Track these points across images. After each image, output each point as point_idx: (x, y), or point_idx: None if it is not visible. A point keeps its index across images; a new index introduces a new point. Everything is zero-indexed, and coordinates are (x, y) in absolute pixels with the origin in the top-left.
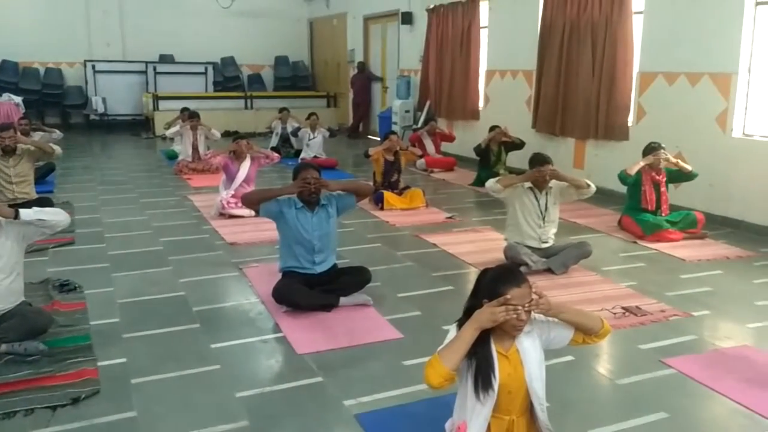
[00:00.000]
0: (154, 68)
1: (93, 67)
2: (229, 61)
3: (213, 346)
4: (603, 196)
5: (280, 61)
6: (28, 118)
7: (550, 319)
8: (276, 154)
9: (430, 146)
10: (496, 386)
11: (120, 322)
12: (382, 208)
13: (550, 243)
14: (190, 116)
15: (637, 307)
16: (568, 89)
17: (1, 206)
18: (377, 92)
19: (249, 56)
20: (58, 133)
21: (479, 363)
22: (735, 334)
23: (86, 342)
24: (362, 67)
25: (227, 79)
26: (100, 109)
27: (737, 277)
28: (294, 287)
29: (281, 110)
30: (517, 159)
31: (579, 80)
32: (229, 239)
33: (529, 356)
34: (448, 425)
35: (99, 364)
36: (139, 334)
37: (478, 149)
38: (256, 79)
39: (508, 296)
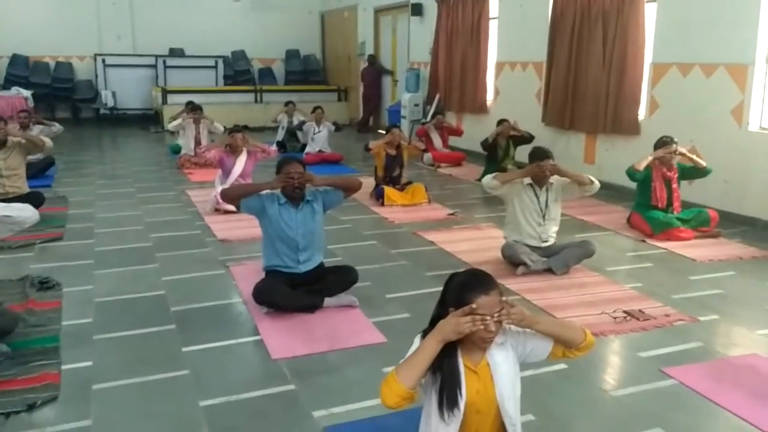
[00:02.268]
0: (164, 62)
1: (103, 61)
2: (239, 55)
3: (185, 349)
4: (613, 193)
5: (291, 55)
6: (28, 111)
7: (527, 330)
8: (273, 149)
9: (437, 140)
10: (462, 405)
11: (93, 323)
12: (382, 204)
13: (551, 242)
14: (192, 109)
15: (640, 310)
16: (579, 81)
17: None
18: (387, 86)
19: (260, 50)
20: (58, 127)
21: (444, 379)
22: (744, 341)
23: (54, 344)
24: (372, 60)
25: (238, 72)
26: (110, 103)
27: (751, 279)
28: (275, 287)
29: (287, 104)
30: (526, 154)
31: (589, 72)
32: (221, 236)
33: (501, 372)
34: None
35: (63, 367)
36: (111, 336)
37: (485, 144)
38: (267, 73)
39: (474, 305)
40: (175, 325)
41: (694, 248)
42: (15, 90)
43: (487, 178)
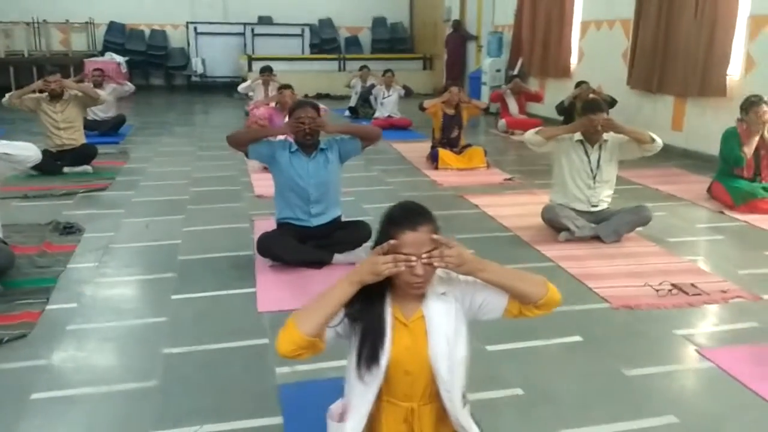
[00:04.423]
0: (252, 30)
1: (195, 29)
2: (326, 23)
3: (174, 297)
4: (701, 163)
5: (378, 23)
6: (102, 70)
7: (478, 280)
8: (324, 107)
9: (513, 106)
10: (383, 363)
11: (96, 267)
12: (437, 168)
13: (603, 207)
14: (262, 70)
15: (691, 284)
16: (669, 38)
17: None
18: (472, 52)
19: (347, 18)
20: (129, 86)
21: (365, 330)
22: None
23: (50, 284)
24: (457, 25)
25: (324, 41)
26: (200, 71)
27: None
28: (279, 239)
29: (361, 68)
30: None
31: (681, 27)
32: (258, 191)
33: (437, 326)
34: (334, 408)
35: (47, 307)
36: (108, 280)
37: (560, 107)
38: (353, 42)
39: (393, 242)
40: (176, 273)
41: None
42: (109, 56)
43: (530, 133)
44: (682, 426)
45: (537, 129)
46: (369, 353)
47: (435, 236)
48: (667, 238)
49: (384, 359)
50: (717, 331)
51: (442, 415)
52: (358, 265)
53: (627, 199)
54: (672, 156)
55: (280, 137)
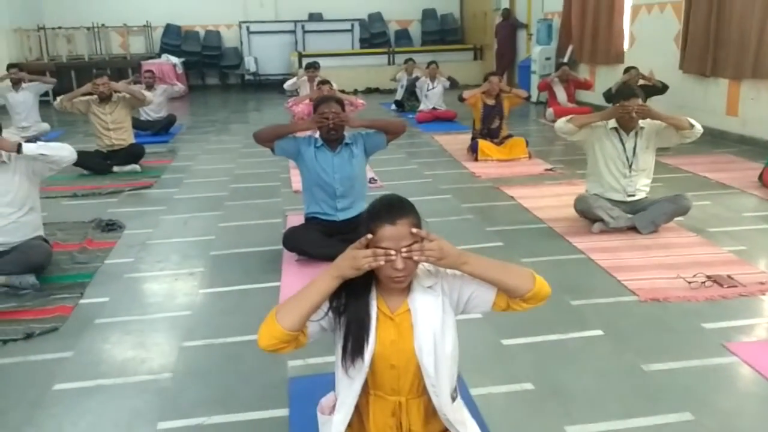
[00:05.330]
0: (303, 27)
1: (247, 28)
2: (376, 17)
3: (201, 291)
4: (757, 149)
5: (428, 15)
6: (153, 71)
7: (466, 273)
8: (361, 101)
9: (561, 94)
10: (367, 356)
11: (132, 262)
12: (476, 159)
13: (640, 196)
14: (307, 67)
15: (728, 276)
16: (722, 18)
17: (2, 140)
18: (522, 41)
19: (396, 11)
20: (180, 86)
21: (349, 324)
22: None
23: (86, 280)
24: (507, 14)
25: (374, 35)
26: (252, 69)
27: None
28: (304, 234)
29: (406, 61)
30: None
31: (733, 7)
32: (296, 187)
33: (423, 320)
34: (324, 401)
35: (81, 301)
36: (141, 275)
37: (607, 94)
38: (403, 35)
39: (371, 236)
40: (206, 268)
41: None
42: (165, 57)
43: (561, 121)
44: (696, 423)
45: (569, 117)
46: (353, 347)
47: (415, 230)
48: (708, 228)
49: (368, 353)
50: (748, 325)
51: (431, 409)
52: (338, 260)
53: (673, 187)
54: (727, 142)
55: (306, 133)
